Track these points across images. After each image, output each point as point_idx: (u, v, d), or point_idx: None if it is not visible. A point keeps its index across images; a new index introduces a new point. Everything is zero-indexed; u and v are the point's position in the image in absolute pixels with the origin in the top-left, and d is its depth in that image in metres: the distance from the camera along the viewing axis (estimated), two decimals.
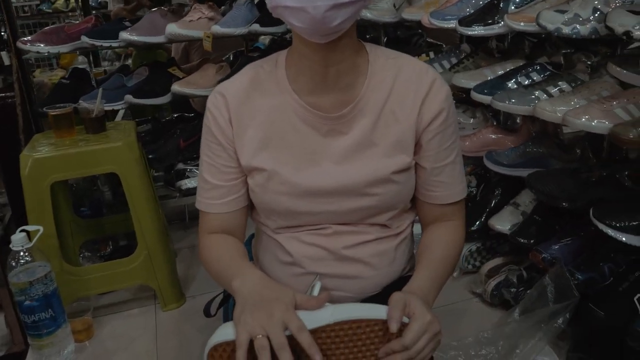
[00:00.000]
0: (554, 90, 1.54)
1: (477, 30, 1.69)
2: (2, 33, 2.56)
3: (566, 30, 1.41)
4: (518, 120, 2.00)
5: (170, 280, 1.81)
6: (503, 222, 1.70)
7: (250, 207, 1.07)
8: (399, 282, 1.03)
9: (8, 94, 2.30)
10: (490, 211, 1.81)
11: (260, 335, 0.76)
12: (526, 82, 1.64)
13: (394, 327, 0.78)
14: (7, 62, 2.15)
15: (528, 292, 1.51)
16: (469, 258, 1.86)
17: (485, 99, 1.66)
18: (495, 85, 1.68)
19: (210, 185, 1.01)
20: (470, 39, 2.02)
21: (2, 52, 2.17)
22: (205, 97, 1.96)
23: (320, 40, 0.86)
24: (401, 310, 0.80)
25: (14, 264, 1.46)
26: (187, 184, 2.19)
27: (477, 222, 1.82)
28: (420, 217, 1.07)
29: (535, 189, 1.54)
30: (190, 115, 2.53)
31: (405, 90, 0.95)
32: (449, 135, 0.98)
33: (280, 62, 0.98)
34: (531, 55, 1.89)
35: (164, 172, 2.31)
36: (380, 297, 1.01)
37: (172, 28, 1.95)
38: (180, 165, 2.25)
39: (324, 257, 1.00)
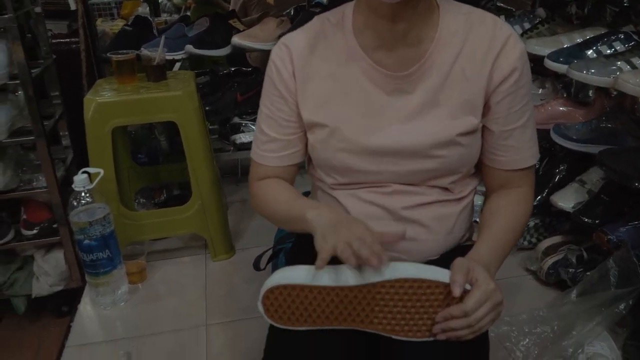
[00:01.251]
0: (638, 62, 1.43)
1: None
2: None
3: None
4: (590, 94, 1.89)
5: (221, 231, 1.84)
6: (566, 200, 1.63)
7: (308, 163, 1.05)
8: (458, 250, 1.00)
9: (73, 39, 2.34)
10: (553, 187, 1.73)
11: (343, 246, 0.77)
12: (608, 52, 1.53)
13: (457, 291, 0.76)
14: (73, 7, 2.18)
15: (588, 273, 1.45)
16: (526, 234, 1.80)
17: (561, 67, 1.56)
18: (573, 54, 1.58)
19: (268, 137, 1.01)
20: (546, 4, 1.90)
21: None
22: (265, 51, 1.93)
23: (389, 0, 0.82)
24: (464, 275, 0.78)
25: (75, 203, 1.50)
26: (241, 138, 2.19)
27: (538, 198, 1.74)
28: (486, 183, 1.03)
29: (607, 166, 1.45)
30: (248, 69, 2.51)
31: (477, 47, 0.89)
32: (521, 96, 0.92)
33: (347, 15, 0.95)
34: (613, 24, 1.76)
35: (219, 126, 2.32)
36: (439, 263, 0.98)
37: None
38: (236, 119, 2.25)
39: (382, 217, 0.97)
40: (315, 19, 0.99)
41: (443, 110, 0.91)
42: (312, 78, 0.95)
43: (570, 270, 1.56)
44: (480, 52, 0.89)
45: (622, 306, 1.32)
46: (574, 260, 1.57)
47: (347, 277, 0.80)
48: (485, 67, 0.89)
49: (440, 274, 0.80)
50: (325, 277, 0.80)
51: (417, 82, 0.91)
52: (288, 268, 0.84)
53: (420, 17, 0.89)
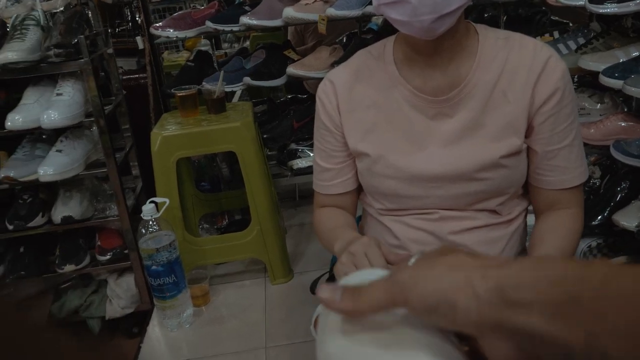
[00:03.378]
0: None
1: (610, 8, 1.55)
2: (137, 19, 2.79)
3: None
4: None
5: (279, 256, 1.90)
6: (630, 218, 1.57)
7: (359, 189, 1.09)
8: None
9: (141, 75, 2.51)
10: (615, 205, 1.67)
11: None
12: None
13: None
14: (141, 46, 2.35)
15: None
16: (588, 254, 1.74)
17: (616, 83, 1.53)
18: (628, 69, 1.53)
19: (321, 168, 1.07)
20: (602, 17, 1.86)
21: (137, 37, 2.36)
22: (319, 79, 2.00)
23: (427, 38, 0.86)
24: None
25: (143, 231, 1.61)
26: (298, 163, 2.26)
27: (599, 217, 1.69)
28: (534, 204, 1.02)
29: None
30: (304, 96, 2.59)
31: (518, 70, 0.91)
32: (565, 116, 0.92)
33: (388, 47, 0.99)
34: None
35: (277, 152, 2.40)
36: None
37: (289, 12, 2.00)
38: (293, 145, 2.32)
39: (430, 242, 0.99)
40: (358, 52, 1.04)
41: (486, 133, 0.93)
42: (355, 109, 0.99)
43: None
44: (521, 75, 0.91)
45: None
46: None
47: None
48: (527, 89, 0.90)
49: None
50: None
51: (458, 105, 0.93)
52: None
53: (459, 46, 0.92)
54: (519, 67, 0.91)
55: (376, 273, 0.45)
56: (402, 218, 1.01)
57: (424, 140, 0.95)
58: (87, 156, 1.86)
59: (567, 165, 0.95)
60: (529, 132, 0.94)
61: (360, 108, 0.99)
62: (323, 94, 1.02)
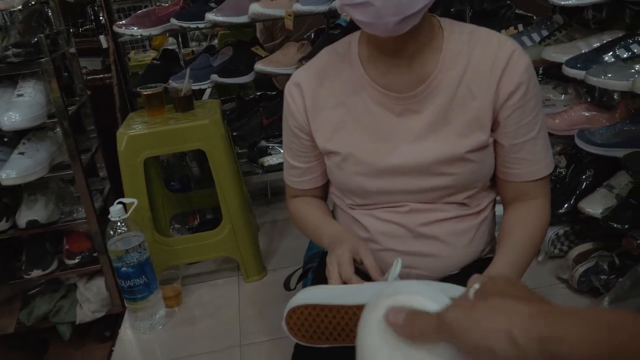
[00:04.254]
0: None
1: (572, 0, 1.58)
2: (100, 18, 2.74)
3: None
4: (615, 97, 1.87)
5: (252, 253, 1.89)
6: (594, 205, 1.61)
7: (329, 181, 1.10)
8: (478, 264, 1.01)
9: (106, 75, 2.46)
10: (581, 193, 1.71)
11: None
12: (625, 55, 1.52)
13: None
14: (104, 45, 2.30)
15: (620, 280, 1.43)
16: (556, 242, 1.78)
17: (579, 74, 1.56)
18: (590, 59, 1.57)
19: (289, 165, 1.10)
20: (564, 9, 1.90)
21: (100, 36, 2.31)
22: (287, 75, 1.99)
23: (391, 35, 0.86)
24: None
25: (112, 233, 1.58)
26: (269, 160, 2.25)
27: (566, 205, 1.73)
28: (501, 196, 1.04)
29: (632, 169, 1.43)
30: (273, 93, 2.58)
31: (482, 65, 0.91)
32: (530, 109, 0.93)
33: (353, 44, 0.99)
34: (633, 26, 1.74)
35: (247, 149, 2.38)
36: (458, 277, 1.00)
37: (255, 7, 1.99)
38: (263, 143, 2.31)
39: (400, 234, 1.00)
40: (324, 50, 1.04)
41: (452, 128, 0.93)
42: (322, 108, 0.99)
43: (603, 277, 1.54)
44: (485, 70, 0.91)
45: None
46: (605, 267, 1.55)
47: (365, 295, 0.82)
48: (491, 84, 0.91)
49: (454, 291, 0.81)
50: (344, 296, 0.83)
51: (425, 102, 0.93)
52: (311, 288, 0.87)
53: (424, 43, 0.92)
54: (483, 62, 0.91)
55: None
56: (371, 211, 1.02)
57: (392, 137, 0.96)
58: (51, 158, 1.82)
59: (533, 158, 0.96)
60: (495, 127, 0.95)
61: (327, 107, 0.99)
62: (289, 95, 1.03)
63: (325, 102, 0.99)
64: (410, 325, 0.45)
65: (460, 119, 0.93)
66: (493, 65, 0.91)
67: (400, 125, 0.95)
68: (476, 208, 1.01)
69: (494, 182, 1.03)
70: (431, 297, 0.51)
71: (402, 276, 0.93)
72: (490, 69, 0.91)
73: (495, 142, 0.97)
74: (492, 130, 0.95)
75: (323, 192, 1.13)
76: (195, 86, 2.05)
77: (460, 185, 0.96)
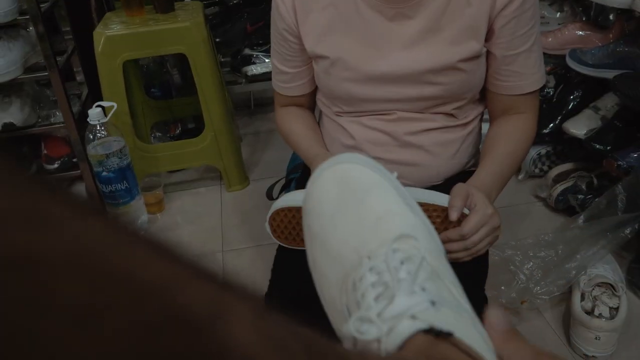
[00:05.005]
0: None
1: None
2: None
3: None
4: (611, 17, 1.82)
5: (235, 163, 1.88)
6: (579, 126, 1.61)
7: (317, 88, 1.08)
8: (461, 175, 1.02)
9: None
10: (567, 114, 1.71)
11: None
12: None
13: (453, 216, 0.78)
14: None
15: (597, 199, 1.46)
16: (537, 162, 1.80)
17: None
18: None
19: (278, 70, 1.05)
20: None
21: None
22: None
23: None
24: (463, 200, 0.80)
25: (91, 137, 1.54)
26: (253, 70, 2.18)
27: (551, 125, 1.73)
28: (489, 109, 1.03)
29: (621, 91, 1.43)
30: None
31: None
32: (526, 20, 0.90)
33: None
34: None
35: (231, 58, 2.31)
36: (441, 187, 1.00)
37: None
38: (247, 51, 2.23)
39: (386, 142, 0.99)
40: None
41: (444, 36, 0.90)
42: (312, 9, 0.95)
43: (580, 196, 1.57)
44: None
45: (628, 231, 1.33)
46: (583, 187, 1.58)
47: None
48: None
49: (438, 198, 0.82)
50: None
51: (418, 7, 0.89)
52: (294, 192, 0.88)
53: None
54: None
55: None
56: (358, 119, 1.00)
57: (383, 42, 0.92)
58: (25, 58, 1.73)
59: (525, 71, 0.94)
60: (489, 36, 0.92)
61: (317, 9, 0.94)
62: None
63: (314, 2, 0.94)
64: (512, 342, 0.38)
65: (453, 27, 0.89)
66: None
67: (391, 31, 0.92)
68: (463, 120, 1.00)
69: (483, 96, 1.01)
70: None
71: None
72: None
73: (488, 53, 0.94)
74: (486, 39, 0.92)
75: (311, 100, 1.10)
76: None
77: (449, 96, 0.95)
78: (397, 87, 0.94)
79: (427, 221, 0.46)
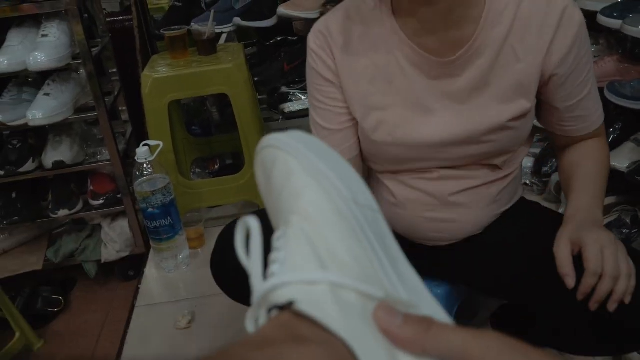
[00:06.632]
0: None
1: None
2: None
3: None
4: None
5: None
6: (621, 159, 1.59)
7: None
8: (501, 219, 1.00)
9: (126, 17, 2.43)
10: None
11: None
12: None
13: (570, 283, 0.75)
14: None
15: None
16: None
17: (615, 23, 1.51)
18: (628, 8, 1.52)
19: (327, 131, 0.97)
20: None
21: None
22: (310, 20, 1.95)
23: None
24: (568, 259, 0.77)
25: (137, 174, 1.60)
26: (289, 107, 2.24)
27: None
28: (556, 144, 1.02)
29: None
30: (294, 38, 2.54)
31: (530, 24, 0.83)
32: (583, 67, 0.87)
33: None
34: None
35: (268, 95, 2.37)
36: (481, 237, 0.99)
37: None
38: (284, 89, 2.29)
39: (429, 202, 0.96)
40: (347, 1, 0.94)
41: (492, 94, 0.87)
42: (353, 67, 0.91)
43: (625, 231, 1.54)
44: (533, 30, 0.83)
45: None
46: (628, 221, 1.55)
47: None
48: (541, 47, 0.84)
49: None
50: None
51: (465, 65, 0.86)
52: None
53: None
54: (530, 20, 0.83)
55: None
56: (399, 176, 0.98)
57: (427, 104, 0.89)
58: (75, 100, 1.82)
59: (589, 113, 0.93)
60: (545, 91, 0.89)
61: (358, 67, 0.91)
62: (317, 47, 0.93)
63: (355, 60, 0.91)
64: (420, 333, 0.31)
65: (502, 84, 0.86)
66: (542, 26, 0.83)
67: (436, 91, 0.88)
68: (508, 170, 0.98)
69: (528, 139, 0.98)
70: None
71: (427, 240, 0.92)
72: (539, 29, 0.83)
73: (548, 106, 0.92)
74: (542, 94, 0.90)
75: (359, 164, 1.02)
76: (218, 29, 2.01)
77: (496, 151, 0.93)
78: (444, 149, 0.91)
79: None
